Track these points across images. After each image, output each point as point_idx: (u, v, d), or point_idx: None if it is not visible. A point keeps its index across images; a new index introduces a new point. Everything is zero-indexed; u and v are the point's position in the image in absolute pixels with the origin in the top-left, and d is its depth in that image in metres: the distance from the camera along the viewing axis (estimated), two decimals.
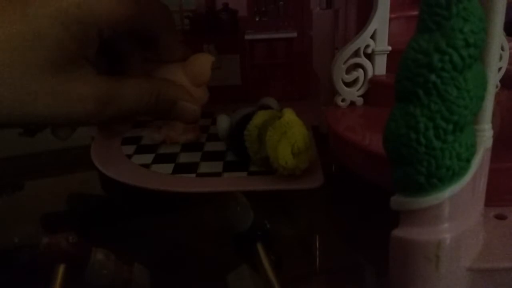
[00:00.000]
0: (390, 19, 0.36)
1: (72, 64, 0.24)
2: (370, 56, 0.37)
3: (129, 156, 0.41)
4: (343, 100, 0.38)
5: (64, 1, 0.23)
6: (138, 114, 0.28)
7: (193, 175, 0.37)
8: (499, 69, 0.37)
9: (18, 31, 0.22)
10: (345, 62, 0.37)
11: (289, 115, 0.34)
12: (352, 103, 0.38)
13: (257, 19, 0.50)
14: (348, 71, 0.37)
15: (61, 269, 0.27)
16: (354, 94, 0.38)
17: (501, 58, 0.36)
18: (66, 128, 0.28)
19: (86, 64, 0.25)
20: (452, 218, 0.20)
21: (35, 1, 0.23)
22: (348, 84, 0.38)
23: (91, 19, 0.24)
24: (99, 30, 0.24)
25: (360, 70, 0.37)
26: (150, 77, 0.29)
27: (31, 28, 0.22)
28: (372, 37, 0.36)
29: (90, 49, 0.25)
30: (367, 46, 0.37)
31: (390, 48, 0.37)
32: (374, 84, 0.38)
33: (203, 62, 0.30)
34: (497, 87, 0.38)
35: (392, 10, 0.36)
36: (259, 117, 0.36)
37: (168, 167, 0.38)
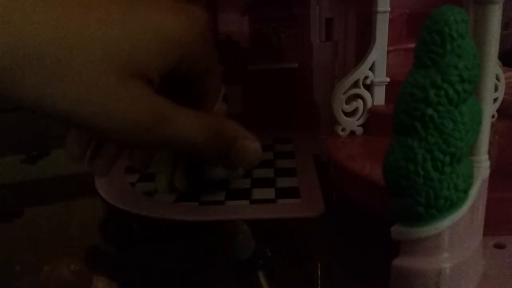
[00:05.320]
0: (388, 51, 0.37)
1: (141, 78, 0.23)
2: (369, 87, 0.38)
3: (133, 184, 0.41)
4: (343, 130, 0.39)
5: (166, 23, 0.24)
6: (195, 151, 0.25)
7: (196, 203, 0.37)
8: (495, 99, 0.38)
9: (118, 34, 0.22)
10: (345, 92, 0.38)
11: None
12: (352, 133, 0.39)
13: (259, 51, 0.51)
14: (347, 101, 0.38)
15: None
16: (353, 123, 0.39)
17: (496, 88, 0.37)
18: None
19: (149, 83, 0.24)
20: (452, 248, 0.21)
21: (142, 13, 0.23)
22: (347, 114, 0.39)
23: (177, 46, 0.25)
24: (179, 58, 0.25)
25: (360, 101, 0.38)
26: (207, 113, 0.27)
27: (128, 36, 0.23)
28: (371, 68, 0.37)
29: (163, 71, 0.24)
30: (366, 77, 0.38)
31: (388, 79, 0.38)
32: (373, 114, 0.38)
33: None
34: (493, 116, 0.38)
35: (390, 42, 0.37)
36: None
37: (171, 195, 0.39)
